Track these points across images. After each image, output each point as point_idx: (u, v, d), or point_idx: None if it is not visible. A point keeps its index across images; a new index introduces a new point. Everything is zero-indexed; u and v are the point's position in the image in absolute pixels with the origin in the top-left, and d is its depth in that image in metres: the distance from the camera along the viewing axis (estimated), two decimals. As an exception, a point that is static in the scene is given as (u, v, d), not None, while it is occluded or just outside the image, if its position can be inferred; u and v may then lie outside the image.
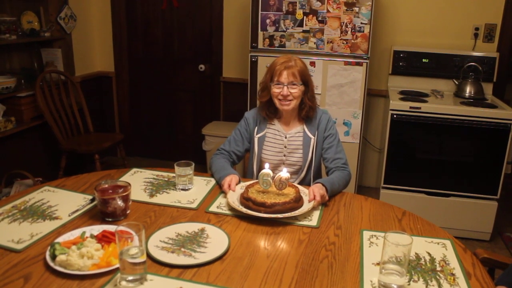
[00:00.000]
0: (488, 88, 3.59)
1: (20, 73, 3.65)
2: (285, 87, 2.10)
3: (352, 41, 3.34)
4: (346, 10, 3.28)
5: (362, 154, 3.93)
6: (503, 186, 3.28)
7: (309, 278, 1.40)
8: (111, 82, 4.59)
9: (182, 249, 1.50)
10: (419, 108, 3.24)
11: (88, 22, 4.34)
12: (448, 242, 1.63)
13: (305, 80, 2.14)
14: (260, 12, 3.41)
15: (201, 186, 2.06)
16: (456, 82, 3.62)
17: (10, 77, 3.39)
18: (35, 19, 3.74)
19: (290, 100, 2.13)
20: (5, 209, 1.76)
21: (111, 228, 1.55)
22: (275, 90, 2.13)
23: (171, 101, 4.58)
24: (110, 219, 1.69)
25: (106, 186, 1.75)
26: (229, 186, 1.94)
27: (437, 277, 1.42)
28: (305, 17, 3.35)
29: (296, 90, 2.11)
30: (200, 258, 1.45)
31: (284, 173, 1.84)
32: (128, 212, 1.75)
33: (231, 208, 1.82)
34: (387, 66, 3.85)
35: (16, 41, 3.43)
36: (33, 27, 3.68)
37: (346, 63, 3.39)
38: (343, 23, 3.31)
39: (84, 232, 1.54)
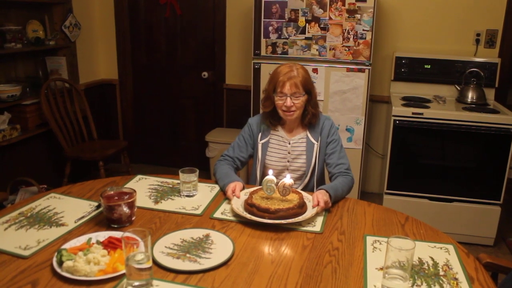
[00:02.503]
0: (490, 94, 3.60)
1: (25, 81, 3.69)
2: (288, 98, 2.11)
3: (354, 47, 3.37)
4: (348, 17, 3.31)
5: (365, 160, 3.94)
6: (506, 191, 3.28)
7: (313, 283, 1.41)
8: (115, 89, 4.63)
9: (188, 255, 1.52)
10: (422, 114, 3.25)
11: (92, 31, 4.38)
12: (451, 247, 1.64)
13: (308, 89, 2.15)
14: (262, 19, 3.44)
15: (205, 192, 2.08)
16: (458, 88, 3.63)
17: (15, 85, 3.42)
18: (40, 27, 3.78)
19: (293, 111, 2.14)
20: (12, 216, 1.78)
21: (117, 234, 1.57)
22: (279, 101, 2.14)
23: (174, 108, 4.61)
24: (115, 226, 1.71)
25: (112, 192, 1.77)
26: (233, 192, 1.95)
27: (440, 281, 1.43)
28: (307, 24, 3.38)
29: (299, 101, 2.12)
30: (205, 263, 1.47)
31: (287, 179, 1.85)
32: (133, 218, 1.76)
33: (236, 214, 1.83)
34: (389, 72, 3.87)
35: (21, 50, 3.47)
36: (38, 35, 3.72)
37: (349, 70, 3.41)
38: (345, 30, 3.34)
39: (90, 239, 1.56)
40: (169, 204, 1.94)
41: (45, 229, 1.69)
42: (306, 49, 3.44)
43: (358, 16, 3.30)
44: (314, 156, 2.22)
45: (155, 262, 1.46)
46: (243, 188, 2.03)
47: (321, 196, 1.87)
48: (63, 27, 3.90)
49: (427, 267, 1.50)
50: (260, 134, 2.28)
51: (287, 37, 3.44)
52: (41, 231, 1.67)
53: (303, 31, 3.41)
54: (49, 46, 3.76)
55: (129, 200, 1.71)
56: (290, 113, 2.14)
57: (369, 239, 1.69)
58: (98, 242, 1.52)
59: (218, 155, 3.73)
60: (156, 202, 1.96)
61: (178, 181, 2.07)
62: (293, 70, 2.13)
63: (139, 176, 2.24)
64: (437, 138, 3.29)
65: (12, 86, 3.41)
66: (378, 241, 1.67)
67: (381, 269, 1.46)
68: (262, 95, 2.30)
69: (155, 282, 1.37)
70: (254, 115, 2.38)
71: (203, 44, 4.35)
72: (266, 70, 3.49)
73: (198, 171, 2.03)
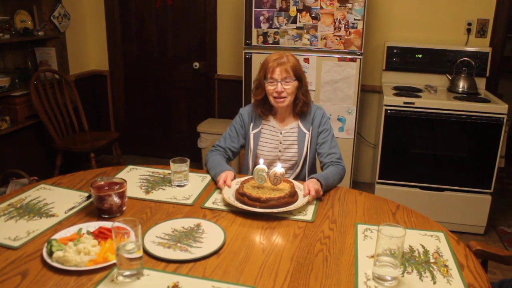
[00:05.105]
0: (481, 83, 3.62)
1: (14, 72, 3.64)
2: (279, 84, 2.11)
3: (346, 37, 3.36)
4: (339, 6, 3.30)
5: (357, 149, 3.95)
6: (497, 180, 3.30)
7: (304, 271, 1.41)
8: (106, 80, 4.59)
9: (178, 244, 1.51)
10: (413, 103, 3.26)
11: (81, 21, 4.33)
12: (441, 235, 1.65)
13: (298, 76, 2.15)
14: (253, 9, 3.42)
15: (196, 182, 2.07)
16: (450, 77, 3.64)
17: (4, 77, 3.39)
18: (28, 18, 3.73)
19: (284, 97, 2.14)
20: (2, 207, 1.76)
21: (107, 224, 1.56)
22: (269, 87, 2.14)
23: (166, 99, 4.58)
24: (106, 216, 1.70)
25: (102, 183, 1.76)
26: (225, 182, 1.95)
27: (431, 268, 1.43)
28: (298, 13, 3.37)
29: (290, 86, 2.12)
30: (196, 253, 1.46)
31: (279, 168, 1.85)
32: (124, 208, 1.76)
33: (227, 204, 1.83)
34: (380, 62, 3.87)
35: (9, 40, 3.42)
36: (27, 26, 3.67)
37: (340, 59, 3.41)
38: (337, 19, 3.33)
39: (80, 229, 1.55)
40: (160, 194, 1.93)
41: (35, 220, 1.67)
42: (297, 39, 3.43)
43: (349, 5, 3.28)
44: (305, 146, 2.22)
45: (146, 252, 1.45)
46: (234, 178, 2.02)
47: (312, 185, 1.87)
48: (52, 18, 3.86)
49: (417, 255, 1.51)
50: (251, 124, 2.28)
51: (278, 26, 3.42)
52: (31, 222, 1.66)
53: (294, 21, 3.39)
54: (38, 36, 3.72)
55: (120, 190, 1.71)
56: (281, 99, 2.14)
57: (360, 228, 1.69)
58: (88, 232, 1.51)
59: (210, 146, 3.72)
60: (147, 192, 1.95)
61: (169, 171, 2.07)
62: (283, 56, 2.13)
63: (130, 167, 2.23)
64: (428, 128, 3.30)
65: (0, 77, 3.37)
66: (369, 229, 1.68)
67: (372, 257, 1.47)
68: (253, 85, 2.29)
69: (145, 271, 1.37)
70: (246, 105, 2.37)
71: (194, 35, 4.32)
72: (257, 60, 3.47)
73: (189, 161, 2.03)
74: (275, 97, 2.14)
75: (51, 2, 3.86)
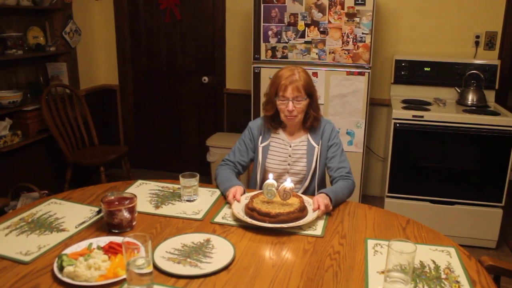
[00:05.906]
0: (490, 96, 3.60)
1: (26, 87, 3.69)
2: (290, 102, 2.11)
3: (354, 51, 3.37)
4: (347, 20, 3.32)
5: (366, 163, 3.94)
6: (508, 193, 3.27)
7: (314, 287, 1.40)
8: (116, 95, 4.63)
9: (188, 260, 1.51)
10: (422, 116, 3.25)
11: (92, 36, 4.39)
12: (452, 250, 1.64)
13: (310, 93, 2.15)
14: (262, 24, 3.45)
15: (206, 197, 2.08)
16: (458, 90, 3.63)
17: (16, 92, 3.44)
18: (40, 34, 3.80)
19: (295, 116, 2.14)
20: (13, 222, 1.78)
21: (117, 239, 1.56)
22: (281, 105, 2.14)
23: (175, 113, 4.61)
24: (116, 231, 1.71)
25: (112, 198, 1.77)
26: (234, 197, 1.95)
27: (442, 284, 1.42)
28: (306, 28, 3.39)
29: (301, 105, 2.12)
30: (206, 268, 1.46)
31: (288, 183, 1.85)
32: (134, 223, 1.76)
33: (236, 219, 1.83)
34: (389, 76, 3.87)
35: (22, 56, 3.48)
36: (39, 42, 3.73)
37: (348, 73, 3.42)
38: (345, 33, 3.34)
39: (91, 244, 1.56)
40: (170, 209, 1.94)
41: (46, 235, 1.69)
42: (305, 53, 3.44)
43: (357, 19, 3.30)
44: (314, 160, 2.22)
45: (155, 267, 1.45)
46: (244, 192, 2.02)
47: (321, 199, 1.87)
48: (63, 33, 3.92)
49: (428, 270, 1.50)
50: (260, 137, 2.28)
51: (287, 41, 3.45)
52: (42, 236, 1.67)
53: (302, 35, 3.41)
54: (49, 52, 3.77)
55: (130, 205, 1.71)
56: (292, 117, 2.14)
57: (370, 243, 1.68)
58: (98, 247, 1.52)
59: (219, 160, 3.73)
60: (157, 207, 1.96)
61: (179, 186, 2.07)
62: (294, 73, 2.12)
63: (139, 181, 2.24)
64: (437, 141, 3.29)
65: (13, 92, 3.42)
66: (379, 244, 1.67)
67: (383, 272, 1.46)
68: (263, 99, 2.30)
69: (155, 287, 1.37)
70: (255, 119, 2.38)
71: (203, 49, 4.36)
72: (266, 74, 3.49)
73: (198, 175, 2.03)
74: (286, 116, 2.15)
75: (63, 19, 3.92)
